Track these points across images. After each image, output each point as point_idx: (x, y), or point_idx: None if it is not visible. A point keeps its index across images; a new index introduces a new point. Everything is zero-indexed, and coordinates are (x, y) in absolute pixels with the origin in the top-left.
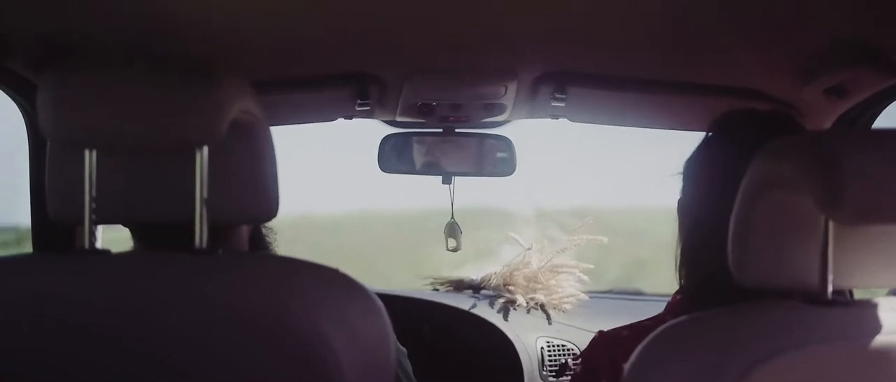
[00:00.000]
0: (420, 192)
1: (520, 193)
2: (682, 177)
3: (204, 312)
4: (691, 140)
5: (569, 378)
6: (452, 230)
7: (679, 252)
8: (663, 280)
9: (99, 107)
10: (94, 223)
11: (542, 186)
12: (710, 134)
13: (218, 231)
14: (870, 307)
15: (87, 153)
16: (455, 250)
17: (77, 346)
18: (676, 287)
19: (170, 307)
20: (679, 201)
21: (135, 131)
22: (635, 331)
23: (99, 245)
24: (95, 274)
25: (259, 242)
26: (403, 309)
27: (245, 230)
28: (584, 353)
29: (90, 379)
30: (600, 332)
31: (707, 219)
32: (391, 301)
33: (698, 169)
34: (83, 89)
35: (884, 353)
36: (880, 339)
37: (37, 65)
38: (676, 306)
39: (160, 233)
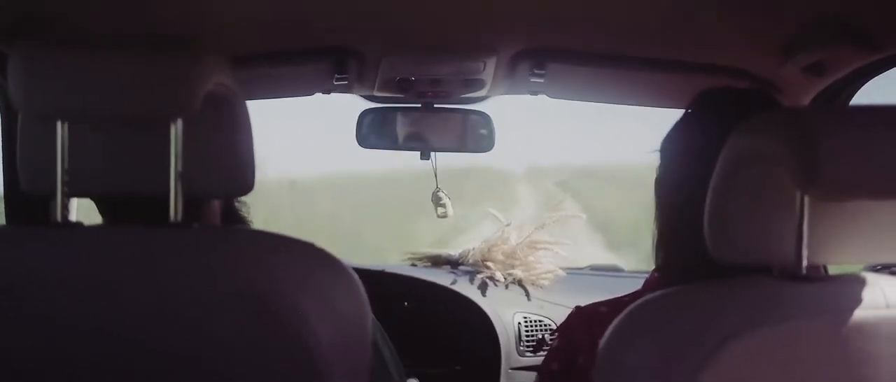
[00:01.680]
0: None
1: (513, 152)
2: (659, 154)
3: (178, 287)
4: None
5: (545, 352)
6: (438, 198)
7: (656, 230)
8: None
9: (70, 79)
10: (67, 195)
11: (536, 143)
12: (688, 111)
13: (190, 205)
14: (846, 282)
15: (58, 125)
16: (444, 216)
17: (46, 319)
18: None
19: (143, 281)
20: (657, 179)
21: (107, 103)
22: (613, 307)
23: (73, 217)
24: (66, 247)
25: (232, 216)
26: (381, 284)
27: (217, 204)
28: (561, 327)
29: (59, 353)
30: (578, 307)
31: (685, 197)
32: (369, 275)
33: (676, 146)
34: (54, 61)
35: (860, 328)
36: (857, 315)
37: (9, 36)
38: (654, 283)
39: (128, 208)
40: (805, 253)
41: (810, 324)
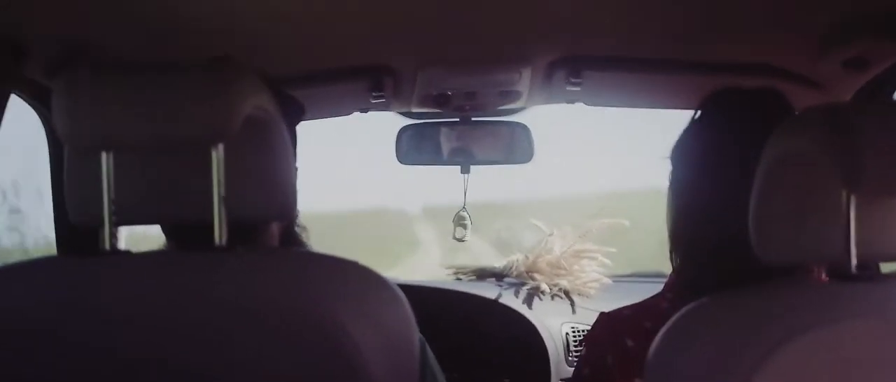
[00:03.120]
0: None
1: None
2: (670, 160)
3: (220, 310)
4: None
5: None
6: (461, 219)
7: (672, 235)
8: None
9: (112, 109)
10: (114, 224)
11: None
12: (697, 115)
13: (247, 230)
14: None
15: (103, 155)
16: (461, 240)
17: (87, 347)
18: None
19: (185, 306)
20: (669, 184)
21: (148, 131)
22: (635, 309)
23: (123, 246)
24: (112, 276)
25: (291, 240)
26: (426, 299)
27: (275, 228)
28: (587, 336)
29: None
30: (601, 313)
31: (701, 200)
32: (413, 291)
33: (688, 151)
34: (96, 91)
35: None
36: None
37: (52, 70)
38: (675, 286)
39: (189, 232)
40: (853, 251)
41: (864, 324)
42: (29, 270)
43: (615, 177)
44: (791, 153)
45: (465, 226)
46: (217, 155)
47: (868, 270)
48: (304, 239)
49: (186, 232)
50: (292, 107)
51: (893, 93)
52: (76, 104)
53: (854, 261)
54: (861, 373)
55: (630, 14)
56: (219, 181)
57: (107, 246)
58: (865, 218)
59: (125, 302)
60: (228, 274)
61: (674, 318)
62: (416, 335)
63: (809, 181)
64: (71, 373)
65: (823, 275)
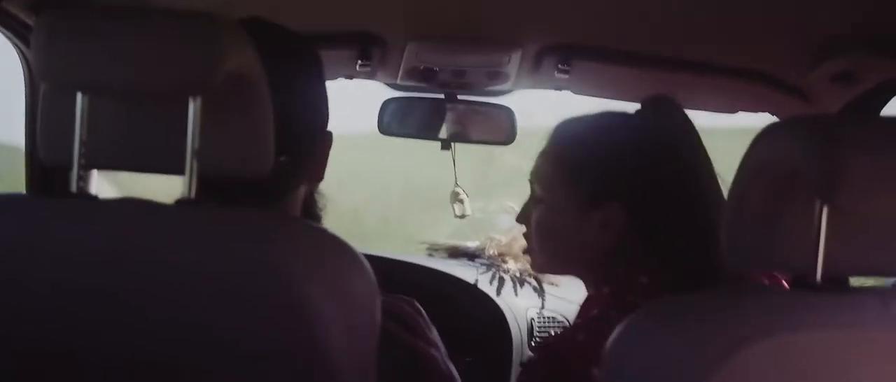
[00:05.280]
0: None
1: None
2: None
3: (181, 261)
4: None
5: None
6: (456, 195)
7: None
8: None
9: (90, 50)
10: (83, 167)
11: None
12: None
13: (276, 194)
14: (866, 295)
15: (78, 96)
16: (463, 216)
17: (48, 285)
18: None
19: (147, 255)
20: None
21: (126, 76)
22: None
23: (93, 190)
24: (75, 218)
25: (308, 209)
26: (394, 272)
27: (300, 195)
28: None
29: (59, 319)
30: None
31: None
32: (382, 263)
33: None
34: (75, 32)
35: (875, 343)
36: (873, 330)
37: (35, 7)
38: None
39: (214, 185)
40: (821, 261)
41: (822, 335)
42: None
43: None
44: (768, 160)
45: (462, 202)
46: (195, 107)
47: (834, 282)
48: (318, 211)
49: (218, 185)
50: (310, 54)
51: (880, 110)
52: (54, 42)
53: (819, 272)
54: None
55: (626, 6)
56: (194, 134)
57: (74, 187)
58: (837, 231)
59: (74, 245)
60: (197, 228)
61: (634, 315)
62: (379, 301)
63: (784, 190)
64: (11, 308)
65: (782, 283)
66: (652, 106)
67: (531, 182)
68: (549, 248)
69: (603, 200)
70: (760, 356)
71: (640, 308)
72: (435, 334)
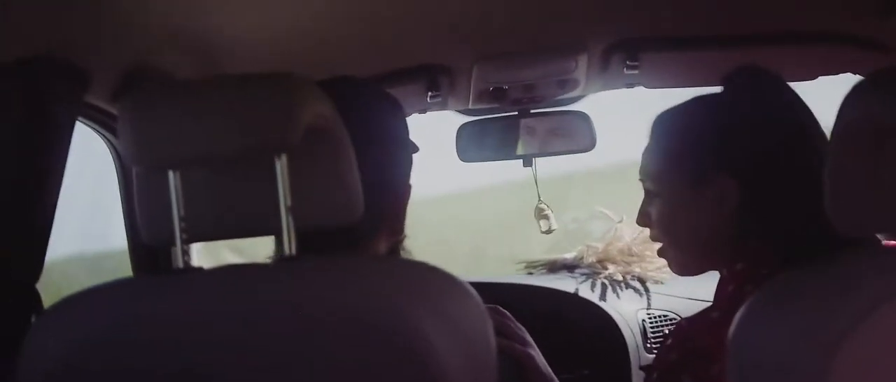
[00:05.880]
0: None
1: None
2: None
3: (293, 319)
4: None
5: None
6: (541, 211)
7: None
8: None
9: (174, 127)
10: (185, 242)
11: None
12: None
13: (356, 245)
14: None
15: (170, 174)
16: (549, 232)
17: (166, 365)
18: None
19: (252, 318)
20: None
21: (209, 146)
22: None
23: (195, 262)
24: (183, 293)
25: (396, 252)
26: (499, 296)
27: (382, 244)
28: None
29: None
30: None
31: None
32: (486, 289)
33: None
34: (158, 111)
35: None
36: None
37: (115, 95)
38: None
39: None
40: None
41: None
42: (106, 292)
43: None
44: (862, 117)
45: (547, 217)
46: (281, 164)
47: None
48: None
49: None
50: (391, 104)
51: None
52: (140, 125)
53: None
54: None
55: None
56: (284, 191)
57: (179, 263)
58: None
59: (194, 318)
60: (300, 283)
61: (755, 294)
62: (492, 331)
63: (884, 147)
64: None
65: None
66: (737, 78)
67: (642, 180)
68: (678, 241)
69: (711, 175)
70: (891, 318)
71: (762, 287)
72: (525, 332)
